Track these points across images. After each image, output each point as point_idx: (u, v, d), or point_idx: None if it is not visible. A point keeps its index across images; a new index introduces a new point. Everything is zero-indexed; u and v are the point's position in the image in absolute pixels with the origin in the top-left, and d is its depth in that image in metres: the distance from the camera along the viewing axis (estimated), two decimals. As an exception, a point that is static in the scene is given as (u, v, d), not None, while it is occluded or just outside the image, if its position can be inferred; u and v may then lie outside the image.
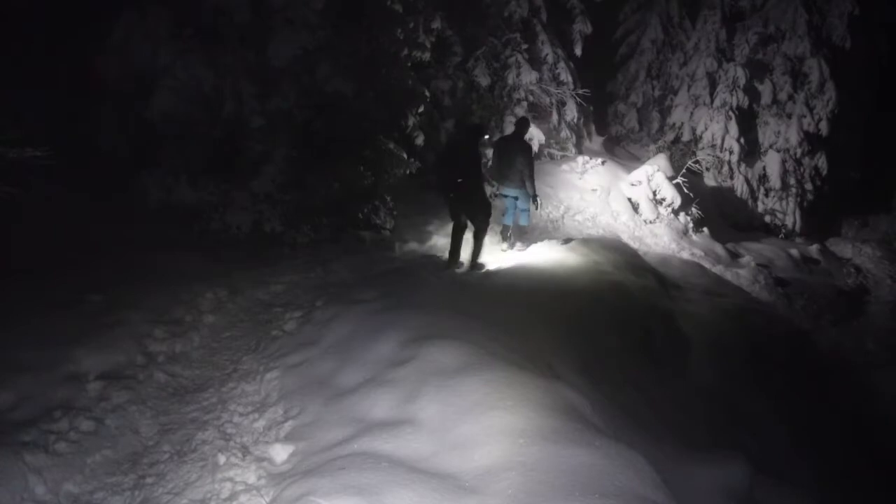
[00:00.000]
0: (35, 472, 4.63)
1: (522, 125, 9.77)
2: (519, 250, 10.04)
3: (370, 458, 3.97)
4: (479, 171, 8.64)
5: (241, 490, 4.41)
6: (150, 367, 6.25)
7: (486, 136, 10.92)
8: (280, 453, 4.66)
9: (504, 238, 10.34)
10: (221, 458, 4.75)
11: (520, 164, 9.30)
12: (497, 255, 9.77)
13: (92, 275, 7.54)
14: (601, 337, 7.28)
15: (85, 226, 9.00)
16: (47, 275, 7.39)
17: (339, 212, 10.15)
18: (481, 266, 8.91)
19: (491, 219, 8.96)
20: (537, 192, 9.62)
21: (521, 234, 10.21)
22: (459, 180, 8.38)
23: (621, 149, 17.38)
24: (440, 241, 10.20)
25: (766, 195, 16.16)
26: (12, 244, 7.90)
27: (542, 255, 9.63)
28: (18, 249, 7.89)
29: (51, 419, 5.20)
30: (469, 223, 8.80)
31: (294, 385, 5.64)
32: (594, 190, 14.19)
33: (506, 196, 9.78)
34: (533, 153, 9.83)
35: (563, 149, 15.30)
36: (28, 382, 5.52)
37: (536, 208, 10.18)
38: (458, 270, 8.74)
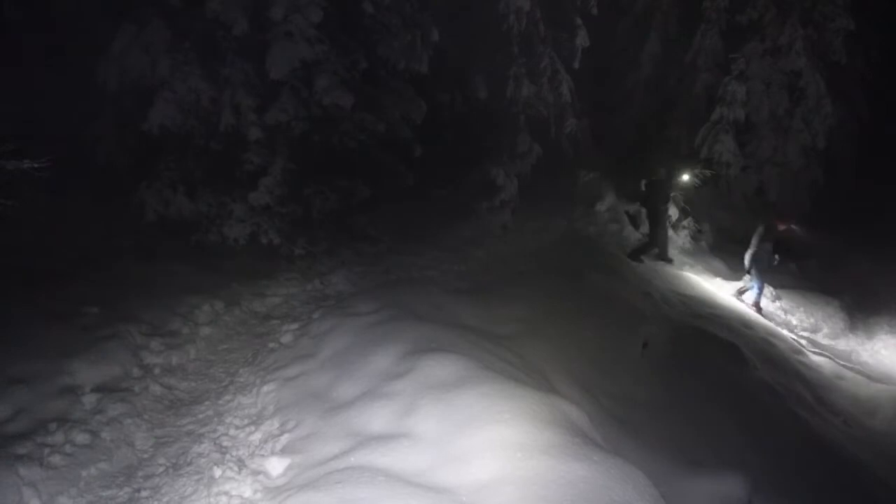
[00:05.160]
0: (30, 485, 4.60)
1: (772, 219, 12.00)
2: (744, 298, 12.31)
3: (367, 472, 3.95)
4: (664, 202, 12.82)
5: (236, 504, 4.39)
6: (145, 379, 6.23)
7: (687, 178, 14.10)
8: (276, 467, 4.63)
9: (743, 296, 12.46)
10: (217, 472, 4.72)
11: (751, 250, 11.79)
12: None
13: (88, 286, 7.52)
14: (598, 349, 7.26)
15: (82, 237, 8.98)
16: (44, 286, 7.36)
17: (337, 224, 10.15)
18: (667, 259, 13.03)
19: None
20: (755, 272, 11.92)
21: (739, 291, 12.50)
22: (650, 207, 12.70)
23: (619, 161, 17.36)
24: (438, 254, 10.19)
25: (764, 208, 16.16)
26: (9, 255, 7.88)
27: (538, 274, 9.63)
28: (15, 261, 7.87)
29: (46, 432, 5.17)
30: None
31: (290, 398, 5.62)
32: (594, 205, 14.20)
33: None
34: (761, 249, 11.87)
35: (561, 163, 15.31)
36: (23, 395, 5.50)
37: (754, 278, 12.12)
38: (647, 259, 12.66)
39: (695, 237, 14.87)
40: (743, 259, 12.02)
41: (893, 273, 14.16)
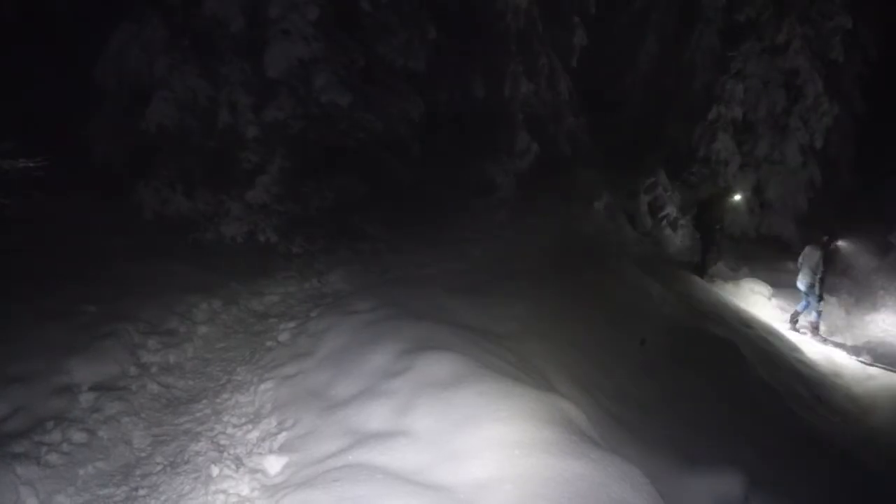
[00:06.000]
0: (27, 484, 4.60)
1: (829, 238, 11.71)
2: (801, 331, 12.04)
3: (365, 470, 3.95)
4: (713, 222, 13.13)
5: (234, 502, 4.39)
6: (143, 378, 6.22)
7: (738, 197, 14.44)
8: (274, 465, 4.64)
9: (792, 320, 12.23)
10: (215, 470, 4.72)
11: (815, 271, 11.44)
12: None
13: (86, 285, 7.51)
14: (597, 348, 7.27)
15: (79, 236, 8.97)
16: (41, 285, 7.35)
17: (334, 222, 10.14)
18: (709, 277, 13.24)
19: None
20: (822, 296, 11.71)
21: (811, 326, 12.02)
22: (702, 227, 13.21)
23: (617, 160, 17.37)
24: (436, 252, 10.17)
25: (761, 207, 16.18)
26: (6, 254, 7.87)
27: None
28: (12, 259, 7.85)
29: (43, 430, 5.17)
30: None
31: (288, 396, 5.62)
32: (593, 204, 14.19)
33: (799, 289, 11.88)
34: (827, 264, 11.70)
35: (559, 161, 15.31)
36: (20, 393, 5.49)
37: (818, 303, 11.81)
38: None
39: (692, 235, 14.88)
40: (804, 286, 11.72)
41: (890, 271, 14.20)
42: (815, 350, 11.38)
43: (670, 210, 14.57)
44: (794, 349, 11.00)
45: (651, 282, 10.67)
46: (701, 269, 13.31)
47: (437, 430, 4.36)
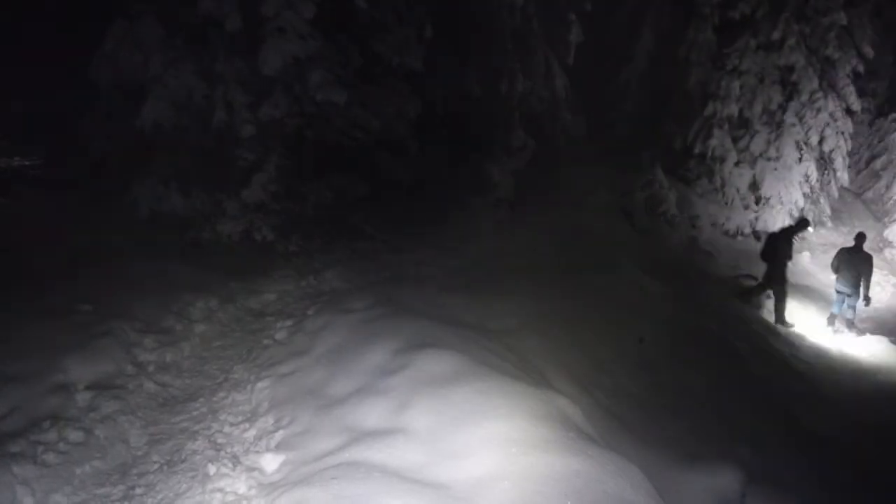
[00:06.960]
0: (23, 483, 4.58)
1: (861, 239, 11.70)
2: (838, 332, 11.93)
3: (362, 468, 3.95)
4: (783, 256, 11.94)
5: (231, 500, 4.38)
6: (139, 376, 6.20)
7: (811, 229, 13.67)
8: (271, 463, 4.63)
9: (830, 323, 12.15)
10: (212, 469, 4.71)
11: (860, 272, 11.38)
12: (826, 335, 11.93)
13: (82, 284, 7.48)
14: (594, 345, 7.26)
15: (75, 234, 8.95)
16: (37, 284, 7.33)
17: (331, 221, 10.13)
18: (786, 323, 11.90)
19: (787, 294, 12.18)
20: (868, 294, 11.57)
21: (847, 323, 12.01)
22: (770, 260, 12.08)
23: (613, 157, 17.37)
24: (434, 250, 10.16)
25: (757, 203, 16.19)
26: (2, 253, 7.85)
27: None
28: (7, 258, 7.83)
29: (39, 430, 5.14)
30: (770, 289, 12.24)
31: (285, 394, 5.61)
32: (590, 201, 14.20)
33: (839, 292, 11.85)
34: (872, 262, 11.64)
35: (556, 158, 15.32)
36: (17, 393, 5.47)
37: (867, 305, 11.89)
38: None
39: (689, 231, 14.90)
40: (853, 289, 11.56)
41: (885, 267, 14.25)
42: (812, 346, 11.39)
43: (667, 206, 14.56)
44: (792, 346, 11.00)
45: (650, 279, 10.67)
46: (779, 316, 12.03)
47: (434, 427, 4.35)
